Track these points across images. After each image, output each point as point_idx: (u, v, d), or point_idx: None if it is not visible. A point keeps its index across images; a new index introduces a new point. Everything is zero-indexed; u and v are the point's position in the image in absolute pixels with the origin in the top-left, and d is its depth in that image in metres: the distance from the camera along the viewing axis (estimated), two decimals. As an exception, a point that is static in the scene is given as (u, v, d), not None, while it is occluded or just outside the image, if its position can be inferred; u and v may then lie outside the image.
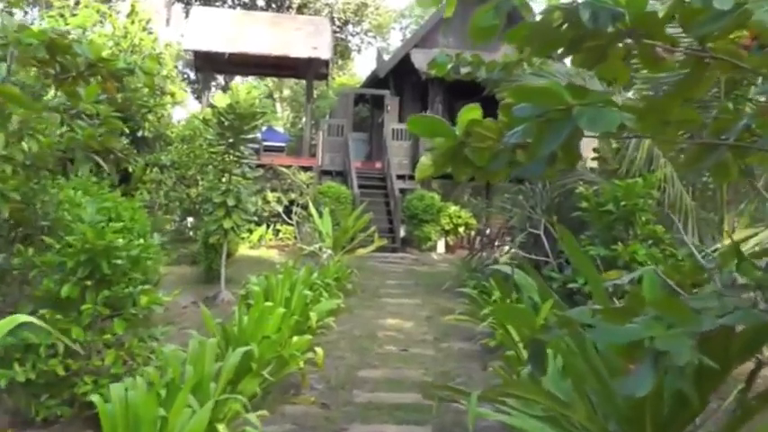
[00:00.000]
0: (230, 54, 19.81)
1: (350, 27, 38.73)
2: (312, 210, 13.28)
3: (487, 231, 21.08)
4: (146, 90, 14.38)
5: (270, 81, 40.80)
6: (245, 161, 10.08)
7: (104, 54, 5.61)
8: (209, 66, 22.05)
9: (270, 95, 41.82)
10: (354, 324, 8.58)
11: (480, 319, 7.68)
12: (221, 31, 20.36)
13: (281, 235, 17.51)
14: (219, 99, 9.91)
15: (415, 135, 21.31)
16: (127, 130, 14.37)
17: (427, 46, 22.42)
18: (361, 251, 12.76)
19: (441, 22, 22.74)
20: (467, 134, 3.09)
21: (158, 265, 8.81)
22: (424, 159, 3.17)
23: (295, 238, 16.23)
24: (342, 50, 38.87)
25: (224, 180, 9.82)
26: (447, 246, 19.05)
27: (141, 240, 5.65)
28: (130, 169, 14.19)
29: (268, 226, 17.47)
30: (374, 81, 24.34)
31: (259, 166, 18.19)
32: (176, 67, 36.06)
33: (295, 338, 5.92)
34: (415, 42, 22.49)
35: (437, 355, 7.18)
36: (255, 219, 17.04)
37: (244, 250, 16.10)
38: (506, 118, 2.78)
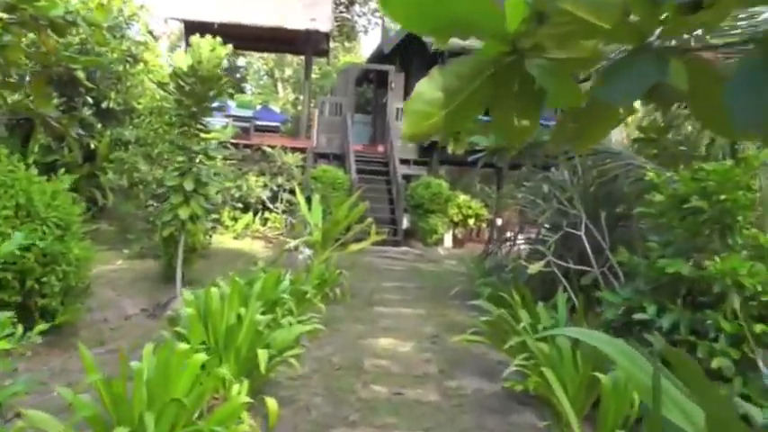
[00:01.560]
0: (219, 24, 17.72)
1: (356, 7, 36.97)
2: (299, 196, 11.33)
3: (498, 222, 19.19)
4: (113, 55, 12.44)
5: (270, 60, 39.10)
6: (209, 136, 8.13)
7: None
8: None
9: (270, 74, 40.09)
10: (336, 347, 6.64)
11: (502, 346, 5.77)
12: (211, 0, 18.41)
13: (269, 224, 15.59)
14: (179, 59, 7.97)
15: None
16: (90, 100, 12.54)
17: (437, 19, 20.43)
18: (354, 247, 10.80)
19: (453, -6, 20.74)
20: (535, 19, 1.02)
21: (86, 268, 6.94)
22: (424, 88, 1.20)
23: (285, 228, 14.32)
24: (348, 32, 37.15)
25: (181, 159, 7.87)
26: (455, 239, 17.10)
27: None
28: (93, 146, 12.35)
29: (255, 213, 15.55)
30: (379, 58, 22.39)
31: (246, 146, 16.35)
32: (179, 46, 34.03)
33: (235, 388, 4.03)
34: (424, 15, 20.45)
35: (443, 404, 5.19)
36: (240, 205, 15.22)
37: (226, 241, 14.22)
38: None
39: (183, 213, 7.74)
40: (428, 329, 7.68)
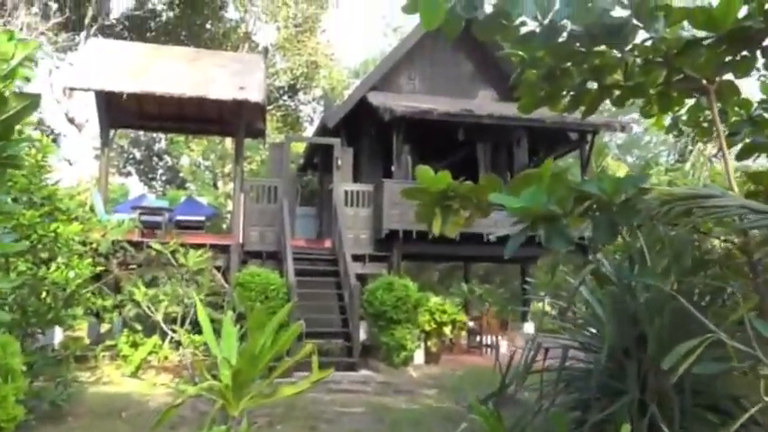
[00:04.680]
0: (130, 94, 13.94)
1: (300, 95, 34.17)
2: (201, 314, 7.45)
3: (470, 324, 15.43)
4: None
5: (211, 155, 35.86)
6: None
7: None
8: (113, 117, 16.04)
9: (209, 169, 36.93)
10: None
11: None
12: (121, 67, 14.76)
13: (182, 349, 11.47)
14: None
15: (379, 199, 15.81)
16: None
17: (388, 89, 17.32)
18: (286, 390, 6.90)
19: (403, 62, 17.77)
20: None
21: None
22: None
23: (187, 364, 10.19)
24: (292, 122, 34.14)
25: None
26: (428, 353, 13.21)
27: None
28: None
29: (163, 338, 11.43)
30: (322, 134, 18.98)
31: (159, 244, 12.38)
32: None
33: None
34: (373, 83, 17.29)
35: None
36: (138, 328, 11.22)
37: (117, 379, 10.18)
38: None
39: None
40: None
